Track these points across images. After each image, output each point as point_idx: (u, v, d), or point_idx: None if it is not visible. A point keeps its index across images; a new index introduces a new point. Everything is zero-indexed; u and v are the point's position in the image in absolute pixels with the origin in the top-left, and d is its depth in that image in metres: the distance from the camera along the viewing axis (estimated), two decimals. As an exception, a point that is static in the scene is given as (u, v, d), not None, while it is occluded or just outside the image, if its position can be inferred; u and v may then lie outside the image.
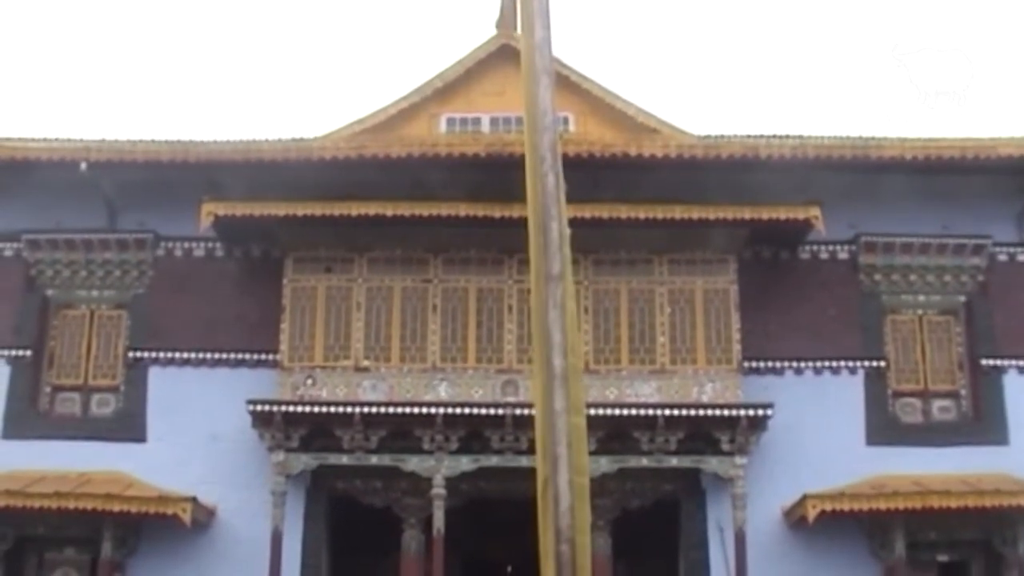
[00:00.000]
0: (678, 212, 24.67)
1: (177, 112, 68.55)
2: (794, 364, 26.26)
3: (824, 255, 26.76)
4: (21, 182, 26.93)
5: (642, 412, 24.57)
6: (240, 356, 26.30)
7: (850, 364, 26.33)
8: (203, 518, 25.12)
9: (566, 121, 28.66)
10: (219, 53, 75.70)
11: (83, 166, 25.86)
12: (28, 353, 26.84)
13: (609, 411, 24.36)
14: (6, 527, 25.09)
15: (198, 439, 25.74)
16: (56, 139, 26.49)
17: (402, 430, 24.77)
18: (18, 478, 24.98)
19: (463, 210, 24.62)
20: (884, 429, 26.11)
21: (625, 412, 24.51)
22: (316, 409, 24.64)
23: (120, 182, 26.70)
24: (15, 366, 26.85)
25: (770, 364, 26.14)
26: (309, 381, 25.15)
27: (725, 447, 24.69)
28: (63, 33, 70.98)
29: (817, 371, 26.30)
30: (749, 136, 26.47)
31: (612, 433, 24.48)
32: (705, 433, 24.73)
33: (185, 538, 25.11)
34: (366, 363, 25.37)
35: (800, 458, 25.26)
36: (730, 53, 72.71)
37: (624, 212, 24.56)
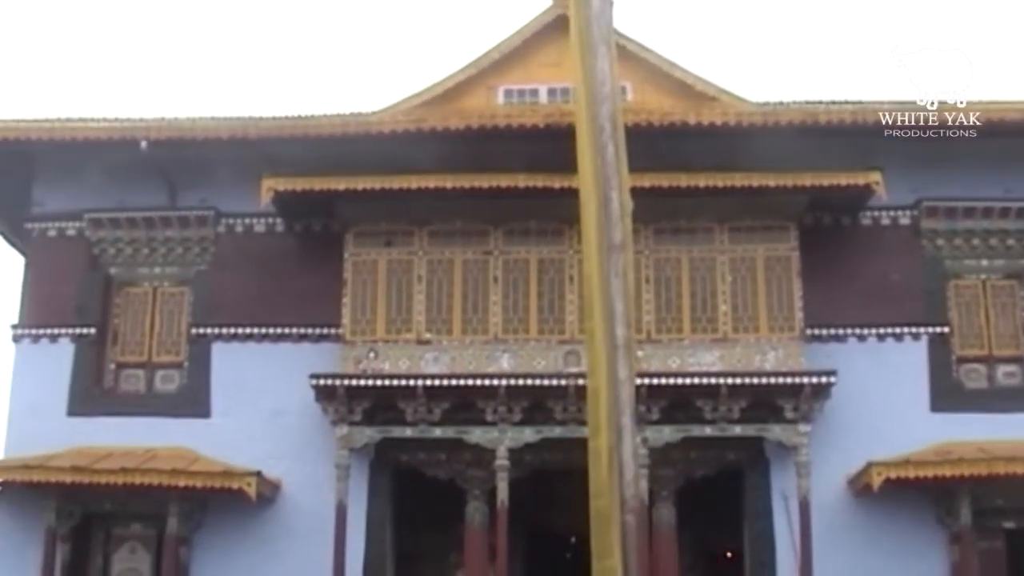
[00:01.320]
0: (738, 180, 24.56)
1: (234, 89, 68.85)
2: (857, 331, 26.05)
3: (886, 221, 26.54)
4: (82, 162, 27.16)
5: (705, 381, 24.53)
6: (302, 331, 26.42)
7: (913, 330, 26.11)
8: (268, 492, 25.27)
9: (624, 91, 28.45)
10: (275, 29, 75.91)
11: (143, 144, 26.00)
12: (92, 331, 27.08)
13: (671, 380, 24.35)
14: (73, 504, 25.36)
15: (262, 414, 25.92)
16: (116, 119, 26.63)
17: (465, 402, 24.84)
18: (85, 455, 25.24)
19: (522, 181, 24.62)
20: (948, 395, 25.89)
21: (688, 381, 24.50)
22: (379, 382, 24.73)
23: (180, 160, 26.86)
24: (79, 344, 27.08)
25: (833, 331, 25.94)
26: (371, 355, 25.20)
27: (789, 415, 24.61)
28: (119, 13, 71.32)
29: (880, 338, 26.09)
30: (808, 102, 26.30)
31: (675, 403, 24.52)
32: (768, 401, 24.67)
33: (250, 512, 25.32)
34: (428, 336, 25.40)
35: (864, 425, 25.10)
36: (787, 19, 72.27)
37: (684, 181, 24.51)
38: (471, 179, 24.65)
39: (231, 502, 24.99)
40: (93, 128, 26.36)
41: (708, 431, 24.85)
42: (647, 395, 23.63)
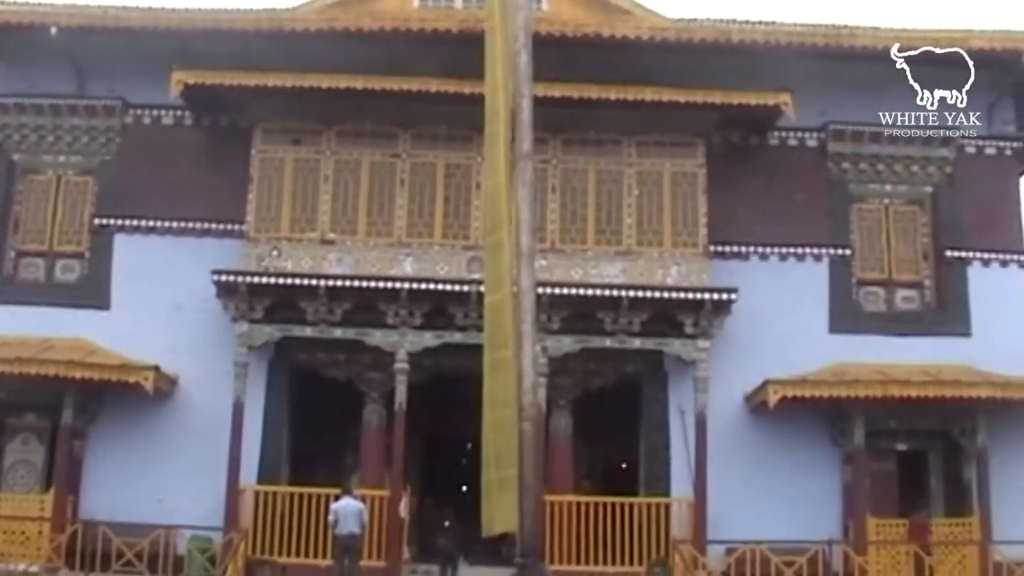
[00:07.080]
0: (648, 94, 24.59)
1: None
2: (760, 249, 26.34)
3: (793, 142, 26.78)
4: (-10, 46, 26.80)
5: (607, 293, 24.62)
6: (206, 226, 26.27)
7: (815, 251, 26.43)
8: (165, 387, 25.20)
9: (539, 0, 28.51)
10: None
11: (53, 31, 25.71)
12: (-8, 217, 26.81)
13: (574, 291, 24.49)
14: (-35, 392, 25.07)
15: (162, 308, 25.73)
16: (27, 3, 26.25)
17: (366, 304, 24.80)
18: (-22, 342, 24.98)
19: (433, 86, 24.56)
20: (847, 317, 26.28)
21: (590, 292, 24.60)
22: (281, 281, 24.66)
23: (90, 48, 26.58)
24: (-23, 230, 26.82)
25: (736, 249, 26.19)
26: (275, 252, 25.10)
27: (689, 330, 24.82)
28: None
29: (782, 257, 26.39)
30: (722, 20, 26.32)
31: (576, 313, 24.65)
32: (669, 315, 24.84)
33: (147, 407, 25.19)
34: (332, 236, 25.36)
35: (763, 343, 25.40)
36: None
37: (594, 92, 24.51)
38: (381, 81, 24.51)
39: (128, 396, 24.86)
40: (2, 12, 26.00)
41: (608, 343, 25.02)
42: (548, 304, 23.76)
